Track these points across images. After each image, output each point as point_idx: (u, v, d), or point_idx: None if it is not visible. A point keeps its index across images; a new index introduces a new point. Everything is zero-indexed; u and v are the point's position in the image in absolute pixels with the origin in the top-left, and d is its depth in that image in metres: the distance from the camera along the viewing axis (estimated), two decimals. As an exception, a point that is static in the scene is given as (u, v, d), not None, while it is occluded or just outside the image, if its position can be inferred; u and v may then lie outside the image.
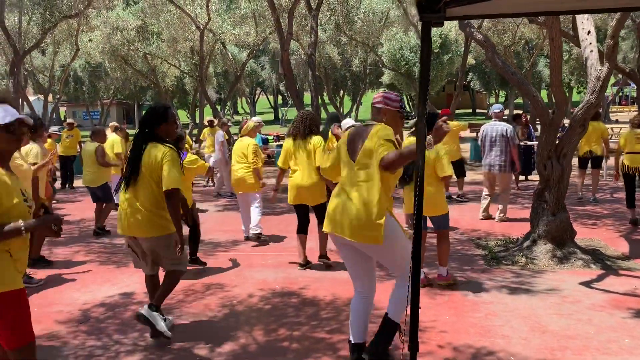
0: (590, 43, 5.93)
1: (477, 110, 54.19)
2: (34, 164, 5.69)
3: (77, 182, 14.06)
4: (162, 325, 3.93)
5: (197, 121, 24.89)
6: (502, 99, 51.13)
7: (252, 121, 7.47)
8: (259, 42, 19.99)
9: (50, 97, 27.47)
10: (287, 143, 6.01)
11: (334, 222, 3.36)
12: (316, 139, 5.87)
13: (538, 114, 6.02)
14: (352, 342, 3.45)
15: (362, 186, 3.26)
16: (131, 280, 5.62)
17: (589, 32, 6.00)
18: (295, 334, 4.15)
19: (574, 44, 9.55)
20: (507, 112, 46.94)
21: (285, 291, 5.18)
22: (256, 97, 60.96)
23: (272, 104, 61.43)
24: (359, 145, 3.34)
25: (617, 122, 32.50)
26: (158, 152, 3.89)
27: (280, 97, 62.27)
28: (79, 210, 10.13)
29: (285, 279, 5.58)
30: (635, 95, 47.78)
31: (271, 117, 57.96)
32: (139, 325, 4.38)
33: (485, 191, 8.24)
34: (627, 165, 7.63)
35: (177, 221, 3.86)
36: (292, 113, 54.00)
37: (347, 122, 7.49)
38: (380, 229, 3.15)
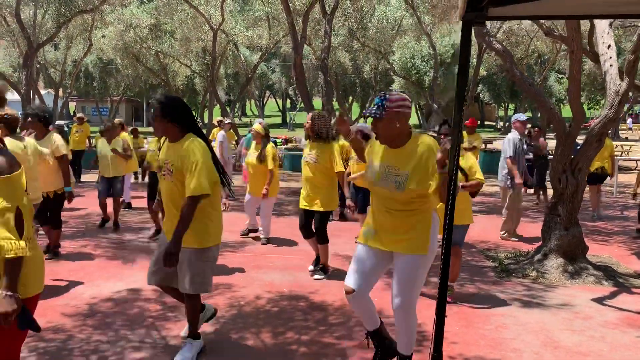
0: (611, 57, 5.88)
1: (486, 122, 54.07)
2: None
3: (85, 177, 14.08)
4: None
5: (206, 122, 24.94)
6: (510, 112, 51.00)
7: (259, 125, 7.38)
8: (272, 45, 20.01)
9: (60, 92, 27.58)
10: (309, 147, 5.81)
11: None
12: (336, 144, 5.82)
13: (554, 127, 5.96)
14: (370, 330, 3.46)
15: None
16: (138, 277, 5.58)
17: (609, 46, 5.96)
18: (304, 338, 4.10)
19: (590, 59, 9.48)
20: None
21: (293, 294, 5.13)
22: (265, 100, 61.07)
23: (281, 108, 61.50)
24: None
25: (626, 139, 32.34)
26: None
27: (289, 101, 62.33)
28: (86, 204, 10.12)
29: (293, 282, 5.53)
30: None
31: (279, 120, 58.04)
32: (146, 322, 4.35)
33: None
34: None
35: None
36: (300, 117, 54.08)
37: (363, 126, 7.44)
38: None
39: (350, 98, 39.22)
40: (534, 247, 6.71)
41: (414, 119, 50.75)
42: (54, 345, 3.88)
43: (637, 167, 18.50)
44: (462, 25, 1.76)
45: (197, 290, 3.53)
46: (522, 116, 7.66)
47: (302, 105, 55.96)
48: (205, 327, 4.27)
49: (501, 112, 52.28)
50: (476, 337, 4.16)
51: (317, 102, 19.13)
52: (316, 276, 5.66)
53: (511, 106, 49.66)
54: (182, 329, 4.21)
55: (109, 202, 8.12)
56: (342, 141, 7.18)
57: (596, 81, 34.35)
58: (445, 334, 4.22)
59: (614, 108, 5.72)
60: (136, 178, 13.73)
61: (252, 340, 4.04)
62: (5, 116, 4.98)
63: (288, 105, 62.41)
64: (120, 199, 8.21)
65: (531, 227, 8.23)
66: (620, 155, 18.88)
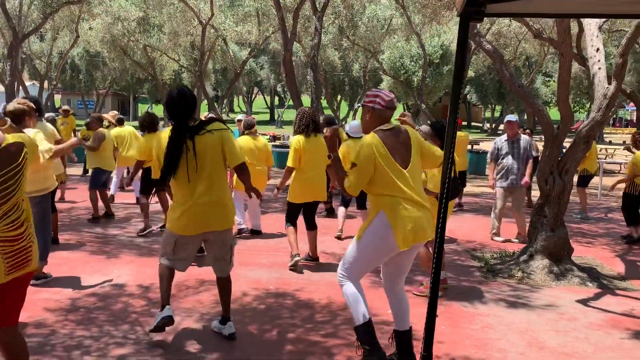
0: (599, 60, 5.91)
1: (472, 124, 54.38)
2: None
3: (70, 170, 13.89)
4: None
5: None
6: (497, 114, 51.35)
7: (244, 118, 7.55)
8: (261, 41, 19.92)
9: (45, 84, 27.20)
10: (300, 141, 5.88)
11: (416, 232, 3.32)
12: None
13: (543, 128, 5.99)
14: (369, 319, 3.42)
15: (421, 191, 3.43)
16: (122, 272, 5.52)
17: (597, 49, 5.99)
18: (290, 335, 4.07)
19: (577, 62, 9.56)
20: (501, 127, 47.17)
21: (279, 292, 5.10)
22: (253, 96, 60.87)
23: (269, 105, 61.35)
24: (408, 152, 3.41)
25: (610, 143, 32.70)
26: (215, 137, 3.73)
27: (277, 98, 62.20)
28: (70, 197, 9.99)
29: (279, 279, 5.50)
30: (629, 118, 48.24)
31: (267, 117, 57.88)
32: (130, 318, 4.30)
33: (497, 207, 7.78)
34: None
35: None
36: (288, 114, 54.03)
37: (357, 124, 7.42)
38: None
39: (339, 97, 39.19)
40: (519, 247, 6.75)
41: (401, 119, 50.75)
42: (35, 341, 3.82)
43: (620, 170, 18.70)
44: (460, 21, 1.74)
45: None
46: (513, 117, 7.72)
47: (291, 102, 55.84)
48: (190, 324, 4.23)
49: (488, 114, 52.61)
50: (462, 336, 4.16)
51: (305, 99, 19.10)
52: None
53: (498, 108, 50.01)
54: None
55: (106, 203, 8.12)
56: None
57: (582, 84, 34.75)
58: (431, 333, 4.23)
59: (601, 111, 5.75)
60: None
61: (238, 337, 4.00)
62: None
63: (276, 102, 62.27)
64: (109, 193, 8.13)
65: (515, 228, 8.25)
66: (605, 159, 19.07)
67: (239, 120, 10.57)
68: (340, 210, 7.57)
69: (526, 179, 7.34)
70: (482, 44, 6.12)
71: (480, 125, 53.18)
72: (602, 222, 9.39)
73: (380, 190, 3.33)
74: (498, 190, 7.56)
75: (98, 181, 7.98)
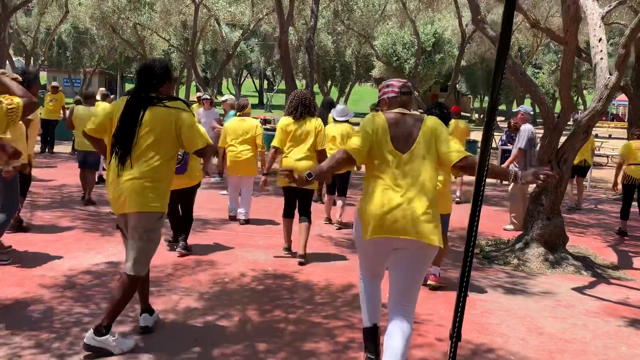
0: (601, 50, 5.91)
1: (462, 114, 54.50)
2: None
3: (58, 148, 13.70)
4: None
5: (183, 97, 24.53)
6: (486, 104, 51.51)
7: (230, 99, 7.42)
8: (255, 23, 19.70)
9: (31, 61, 26.69)
10: (286, 123, 5.62)
11: (392, 224, 2.89)
12: (318, 121, 5.69)
13: (543, 117, 5.99)
14: (376, 324, 3.20)
15: (424, 182, 2.96)
16: (117, 250, 5.44)
17: (600, 39, 5.98)
18: (291, 316, 4.05)
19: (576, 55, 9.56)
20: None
21: (277, 273, 5.07)
22: (242, 79, 60.36)
23: (258, 88, 60.90)
24: (410, 137, 3.02)
25: (597, 136, 32.98)
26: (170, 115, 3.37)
27: (266, 82, 61.75)
28: (59, 175, 9.85)
29: (277, 261, 5.47)
30: (615, 112, 48.67)
31: (256, 100, 57.46)
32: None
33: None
34: (631, 176, 7.66)
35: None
36: (277, 99, 53.71)
37: (342, 108, 7.36)
38: (439, 231, 2.96)
39: (329, 82, 39.03)
40: (514, 235, 6.79)
41: (391, 106, 50.72)
42: (33, 317, 3.75)
43: (608, 162, 18.89)
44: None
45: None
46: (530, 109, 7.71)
47: (281, 86, 55.43)
48: (191, 303, 4.19)
49: (477, 104, 52.79)
50: (463, 321, 4.16)
51: (297, 83, 18.95)
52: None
53: (486, 98, 50.17)
54: (166, 303, 4.12)
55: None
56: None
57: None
58: (431, 316, 4.26)
59: (602, 101, 5.76)
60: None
61: (238, 317, 3.97)
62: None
63: (265, 86, 61.81)
64: (97, 173, 7.95)
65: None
66: (598, 150, 19.24)
67: (224, 101, 10.37)
68: (327, 198, 7.57)
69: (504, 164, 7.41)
70: (486, 31, 6.08)
71: (469, 115, 53.37)
72: (592, 213, 9.48)
73: (370, 170, 3.08)
74: None
75: (80, 161, 7.73)
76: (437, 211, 3.00)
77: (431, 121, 3.08)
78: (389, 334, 2.95)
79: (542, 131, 6.33)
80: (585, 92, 41.02)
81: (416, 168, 2.98)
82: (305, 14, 18.93)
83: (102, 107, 9.50)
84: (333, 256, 5.77)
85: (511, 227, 7.68)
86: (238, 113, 7.17)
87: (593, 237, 7.56)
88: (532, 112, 7.65)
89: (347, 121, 7.31)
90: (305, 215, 5.60)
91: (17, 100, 4.12)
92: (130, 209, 3.32)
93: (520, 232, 6.48)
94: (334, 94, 40.74)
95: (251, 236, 6.42)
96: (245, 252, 5.70)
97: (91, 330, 3.22)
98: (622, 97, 34.93)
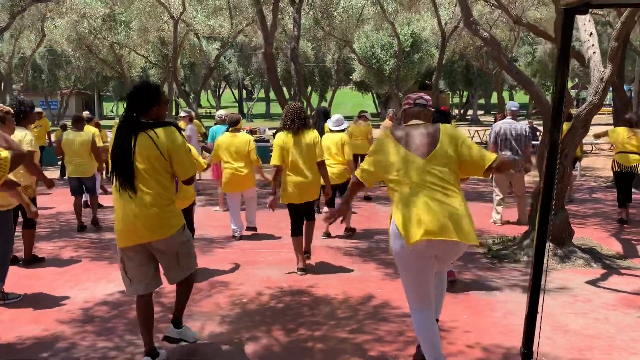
0: (593, 44, 6.00)
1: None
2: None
3: (46, 174, 13.44)
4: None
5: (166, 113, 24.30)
6: (464, 99, 52.00)
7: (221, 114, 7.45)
8: (234, 35, 19.64)
9: (2, 86, 26.18)
10: (284, 139, 5.58)
11: (435, 226, 2.97)
12: (314, 133, 5.67)
13: (542, 112, 6.04)
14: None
15: (449, 187, 3.10)
16: (128, 278, 5.36)
17: (590, 33, 6.07)
18: (317, 334, 4.03)
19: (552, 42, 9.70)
20: (470, 112, 47.85)
21: (294, 289, 5.04)
22: (221, 90, 60.12)
23: (237, 98, 60.75)
24: (428, 144, 3.17)
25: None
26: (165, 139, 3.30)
27: (245, 92, 61.63)
28: (53, 203, 9.69)
29: (290, 277, 5.44)
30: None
31: (236, 111, 57.26)
32: (151, 326, 4.17)
33: (498, 194, 7.90)
34: (621, 163, 7.77)
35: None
36: (257, 108, 53.58)
37: (337, 118, 7.34)
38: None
39: (309, 88, 39.04)
40: (518, 232, 6.85)
41: (371, 108, 51.02)
42: (59, 355, 3.68)
43: (592, 150, 19.15)
44: (565, 13, 1.71)
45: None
46: (514, 105, 7.83)
47: (260, 95, 54.95)
48: (214, 328, 4.14)
49: (456, 99, 53.21)
50: (487, 324, 4.18)
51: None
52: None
53: (465, 94, 50.61)
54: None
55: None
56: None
57: (547, 67, 35.44)
58: (456, 322, 4.26)
59: (598, 94, 5.84)
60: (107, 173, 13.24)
61: (265, 339, 3.94)
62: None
63: (244, 95, 61.68)
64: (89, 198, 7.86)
65: (509, 212, 8.36)
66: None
67: (183, 117, 10.37)
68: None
69: None
70: (479, 32, 6.13)
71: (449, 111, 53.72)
72: (588, 203, 9.60)
73: (393, 184, 3.16)
74: None
75: (75, 188, 7.61)
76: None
77: (448, 128, 3.25)
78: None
79: (529, 123, 6.37)
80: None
81: (441, 171, 3.13)
82: (284, 23, 18.94)
83: (92, 130, 9.40)
84: (346, 268, 5.75)
85: (493, 220, 7.96)
86: (231, 128, 7.08)
87: (594, 228, 7.65)
88: (515, 108, 7.74)
89: (342, 130, 7.30)
90: (308, 217, 5.84)
91: (4, 154, 3.75)
92: (153, 237, 3.34)
93: (509, 224, 6.55)
94: (314, 100, 40.78)
95: (259, 252, 6.37)
96: (256, 270, 5.66)
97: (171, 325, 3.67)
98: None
